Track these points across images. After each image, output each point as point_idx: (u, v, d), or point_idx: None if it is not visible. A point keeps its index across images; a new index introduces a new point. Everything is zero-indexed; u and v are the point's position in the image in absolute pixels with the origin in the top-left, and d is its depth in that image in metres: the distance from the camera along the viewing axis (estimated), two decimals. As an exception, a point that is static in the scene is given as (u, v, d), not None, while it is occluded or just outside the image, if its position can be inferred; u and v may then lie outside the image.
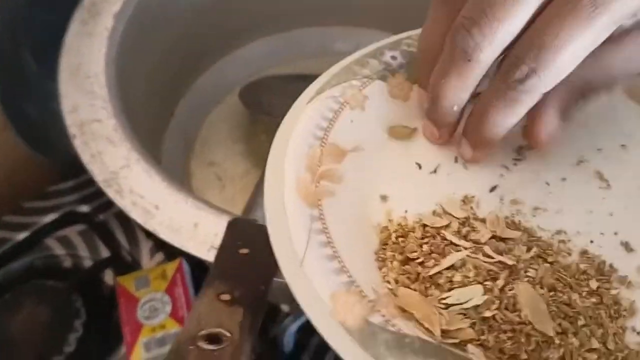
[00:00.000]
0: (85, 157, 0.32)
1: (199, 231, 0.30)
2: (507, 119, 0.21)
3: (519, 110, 0.21)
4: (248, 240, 0.27)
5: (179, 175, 0.47)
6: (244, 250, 0.26)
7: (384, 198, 0.23)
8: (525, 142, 0.24)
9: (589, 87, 0.22)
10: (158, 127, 0.47)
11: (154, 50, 0.43)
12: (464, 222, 0.21)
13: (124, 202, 0.31)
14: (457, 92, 0.22)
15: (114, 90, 0.36)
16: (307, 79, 0.52)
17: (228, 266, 0.24)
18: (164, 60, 0.45)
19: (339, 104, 0.24)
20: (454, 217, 0.22)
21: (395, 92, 0.26)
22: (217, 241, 0.29)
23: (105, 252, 0.48)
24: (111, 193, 0.31)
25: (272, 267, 0.20)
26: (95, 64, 0.36)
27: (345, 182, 0.22)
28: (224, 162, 0.48)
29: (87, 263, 0.48)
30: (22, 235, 0.49)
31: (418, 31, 0.26)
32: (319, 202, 0.21)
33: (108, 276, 0.47)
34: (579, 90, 0.22)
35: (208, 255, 0.29)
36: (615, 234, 0.22)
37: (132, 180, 0.31)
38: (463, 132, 0.23)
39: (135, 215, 0.30)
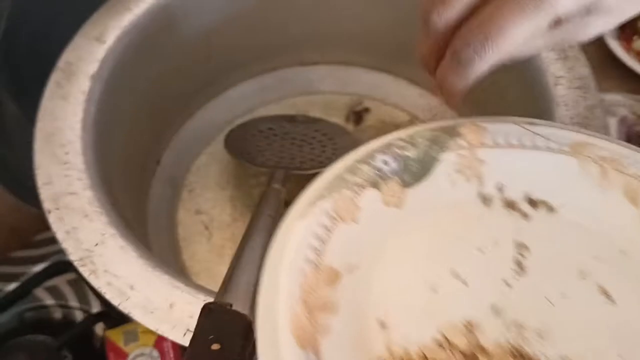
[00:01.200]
0: (60, 235, 0.32)
1: (174, 313, 0.29)
2: (461, 81, 0.27)
3: (469, 77, 0.26)
4: (221, 333, 0.26)
5: (166, 225, 0.46)
6: (216, 346, 0.25)
7: (382, 325, 0.22)
8: (523, 249, 0.23)
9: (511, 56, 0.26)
10: (144, 177, 0.46)
11: (136, 104, 0.43)
12: (469, 356, 0.20)
13: (98, 283, 0.30)
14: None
15: (91, 158, 0.35)
16: (294, 120, 0.51)
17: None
18: (147, 112, 0.44)
19: (331, 219, 0.23)
20: (458, 349, 0.21)
21: (389, 199, 0.25)
22: (193, 323, 0.28)
23: (95, 301, 0.48)
24: (86, 273, 0.30)
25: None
26: (70, 131, 0.35)
27: (342, 310, 0.21)
28: (211, 210, 0.48)
29: (78, 314, 0.48)
30: (11, 286, 0.49)
31: (409, 131, 0.27)
32: (316, 342, 0.20)
33: (99, 327, 0.47)
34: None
35: (183, 339, 0.28)
36: (619, 356, 0.21)
37: (107, 258, 0.31)
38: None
39: (110, 296, 0.30)
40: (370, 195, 0.24)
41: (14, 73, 0.47)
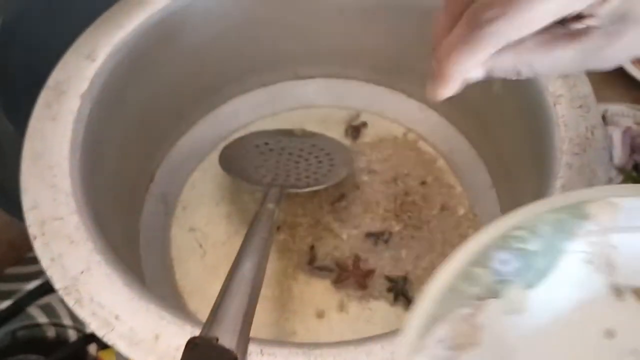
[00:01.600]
0: (45, 262, 0.31)
1: (160, 345, 0.28)
2: (468, 58, 0.23)
3: (479, 54, 0.23)
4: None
5: (159, 243, 0.45)
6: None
7: None
8: None
9: (531, 68, 0.24)
10: (136, 194, 0.46)
11: (127, 121, 0.42)
12: None
13: (83, 313, 0.29)
14: None
15: (79, 180, 0.34)
16: (291, 134, 0.50)
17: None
18: (139, 129, 0.44)
19: (449, 350, 0.20)
20: None
21: (511, 307, 0.21)
22: (179, 356, 0.27)
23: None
24: (71, 302, 0.30)
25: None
26: (58, 152, 0.35)
27: None
28: (205, 227, 0.47)
29: (71, 333, 0.47)
30: (4, 304, 0.48)
31: (526, 214, 0.23)
32: None
33: (92, 347, 0.46)
34: (521, 64, 0.24)
35: (169, 374, 0.27)
36: None
37: (92, 287, 0.30)
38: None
39: (95, 327, 0.29)
40: (491, 308, 0.21)
41: (8, 90, 0.46)
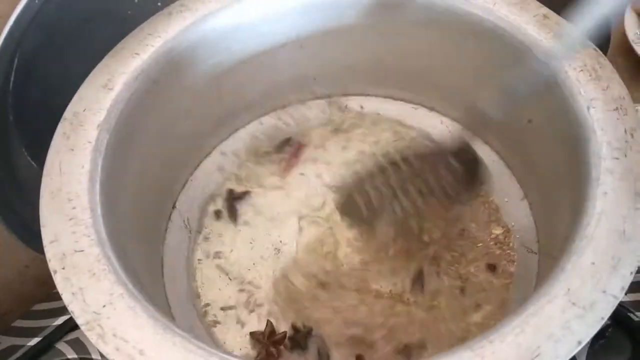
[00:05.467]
0: (67, 297, 0.30)
1: (187, 379, 0.27)
2: None
3: None
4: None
5: (183, 271, 0.44)
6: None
7: None
8: None
9: None
10: (159, 222, 0.45)
11: (147, 148, 0.41)
12: None
13: (107, 349, 0.28)
14: None
15: (99, 211, 0.33)
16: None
17: None
18: (159, 155, 0.43)
19: None
20: None
21: None
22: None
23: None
24: (93, 338, 0.29)
25: None
26: (77, 184, 0.34)
27: None
28: (230, 254, 0.46)
29: (100, 367, 0.46)
30: (33, 341, 0.48)
31: None
32: None
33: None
34: None
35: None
36: None
37: (115, 321, 0.29)
38: None
39: (119, 363, 0.28)
40: None
41: (29, 129, 0.46)
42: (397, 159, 0.40)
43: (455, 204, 0.41)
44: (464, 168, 0.39)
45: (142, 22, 0.41)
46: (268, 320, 0.41)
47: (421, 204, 0.39)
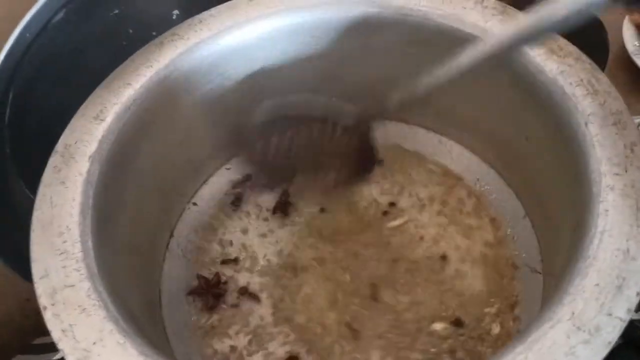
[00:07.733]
0: (56, 334, 0.29)
1: (178, 419, 0.26)
2: None
3: None
4: None
5: (182, 302, 0.44)
6: None
7: None
8: None
9: None
10: (156, 251, 0.44)
11: (141, 178, 0.41)
12: None
13: (96, 387, 0.27)
14: None
15: (90, 244, 0.33)
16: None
17: None
18: (154, 185, 0.43)
19: None
20: None
21: None
22: None
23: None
24: (83, 376, 0.28)
25: None
26: (68, 217, 0.34)
27: None
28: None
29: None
30: (35, 376, 0.47)
31: None
32: None
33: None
34: None
35: None
36: None
37: (105, 358, 0.28)
38: None
39: (109, 403, 0.27)
40: None
41: (25, 160, 0.46)
42: None
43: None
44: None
45: (137, 53, 0.41)
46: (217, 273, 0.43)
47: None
